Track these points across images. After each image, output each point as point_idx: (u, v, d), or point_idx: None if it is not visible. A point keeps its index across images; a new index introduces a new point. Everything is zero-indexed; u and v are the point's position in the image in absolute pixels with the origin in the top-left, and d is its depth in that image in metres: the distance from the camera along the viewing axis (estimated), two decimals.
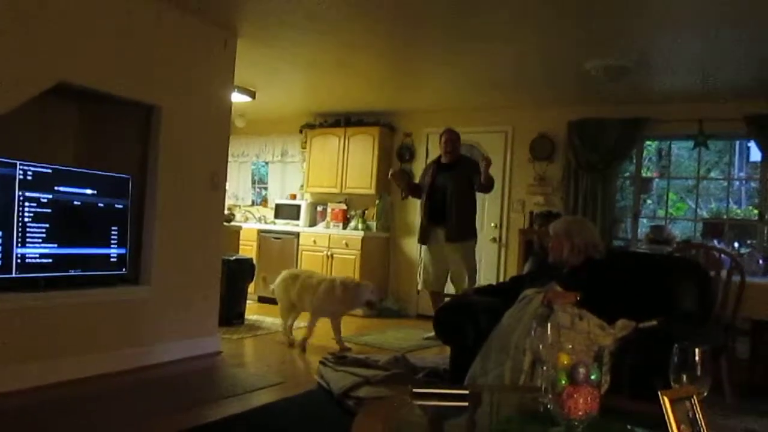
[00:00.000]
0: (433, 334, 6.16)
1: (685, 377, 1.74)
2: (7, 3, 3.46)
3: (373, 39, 5.08)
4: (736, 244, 5.93)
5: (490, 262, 7.29)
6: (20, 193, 3.73)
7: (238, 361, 4.96)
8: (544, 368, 2.08)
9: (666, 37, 4.57)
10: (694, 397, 1.67)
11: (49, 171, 3.92)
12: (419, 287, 6.52)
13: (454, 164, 6.03)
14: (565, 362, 1.87)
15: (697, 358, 1.74)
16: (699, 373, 1.73)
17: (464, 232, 5.99)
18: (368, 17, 4.54)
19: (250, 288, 6.67)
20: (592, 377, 1.84)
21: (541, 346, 2.26)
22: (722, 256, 4.48)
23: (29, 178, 3.77)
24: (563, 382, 1.82)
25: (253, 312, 6.84)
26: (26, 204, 3.77)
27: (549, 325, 2.37)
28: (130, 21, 4.19)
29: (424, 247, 6.28)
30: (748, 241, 6.15)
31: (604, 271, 3.36)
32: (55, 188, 3.95)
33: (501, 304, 3.38)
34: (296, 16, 4.50)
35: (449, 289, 6.23)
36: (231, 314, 6.01)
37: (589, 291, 3.09)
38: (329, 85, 6.80)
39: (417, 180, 6.73)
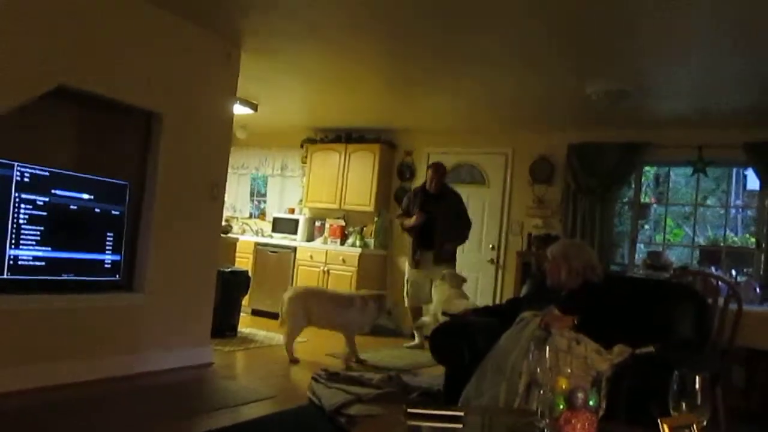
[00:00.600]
0: (415, 342, 6.52)
1: (684, 405, 1.71)
2: (9, 4, 3.46)
3: (376, 57, 5.10)
4: (733, 272, 5.91)
5: (487, 284, 7.26)
6: (16, 195, 3.71)
7: (229, 373, 4.91)
8: (541, 391, 2.05)
9: (667, 62, 4.58)
10: (695, 425, 1.64)
11: (47, 174, 3.90)
12: (406, 304, 6.65)
13: (440, 194, 6.49)
14: (564, 386, 1.84)
15: (697, 385, 1.71)
16: (699, 401, 1.70)
17: (447, 256, 6.49)
18: (373, 36, 4.56)
19: (245, 300, 6.63)
20: (591, 402, 1.81)
21: (538, 369, 2.23)
22: (719, 283, 4.45)
23: (26, 180, 3.76)
24: (561, 406, 1.79)
25: (246, 324, 6.79)
26: (22, 206, 3.75)
27: (547, 348, 2.35)
28: (135, 27, 4.20)
29: (413, 270, 6.69)
30: (745, 269, 6.14)
31: (601, 295, 3.34)
32: (52, 191, 3.94)
33: (498, 326, 3.35)
34: (301, 31, 4.52)
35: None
36: (224, 326, 5.95)
37: (587, 315, 3.06)
38: (332, 100, 6.82)
39: (403, 204, 6.97)
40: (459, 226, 6.49)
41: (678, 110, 5.79)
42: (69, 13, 3.77)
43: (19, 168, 3.72)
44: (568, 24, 3.97)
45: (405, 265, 6.86)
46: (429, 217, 6.40)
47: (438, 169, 6.53)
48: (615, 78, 4.98)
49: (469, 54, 4.76)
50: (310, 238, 8.32)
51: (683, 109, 5.76)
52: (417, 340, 6.63)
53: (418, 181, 7.80)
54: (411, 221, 6.55)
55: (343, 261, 7.55)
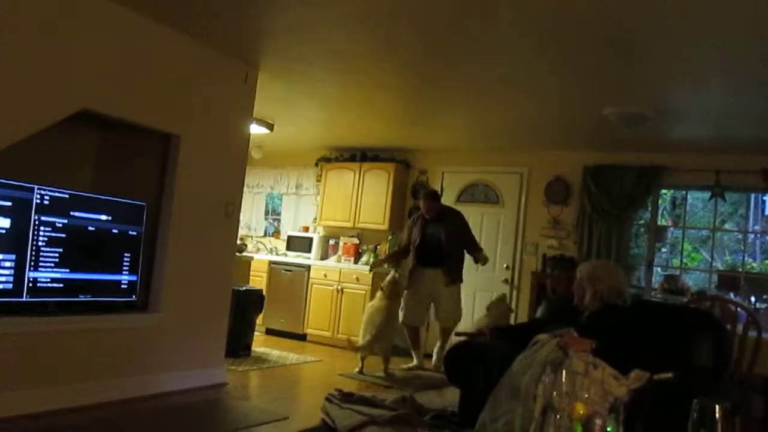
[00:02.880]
0: (413, 364, 6.51)
1: None
2: (33, 30, 3.53)
3: (392, 77, 5.13)
4: (752, 299, 5.84)
5: None
6: (36, 217, 3.74)
7: (243, 393, 4.90)
8: (557, 416, 2.04)
9: (687, 86, 4.57)
10: None
11: (66, 196, 3.94)
12: (400, 320, 6.56)
13: (439, 217, 6.51)
14: (581, 412, 1.83)
15: (717, 415, 1.69)
16: (719, 431, 1.68)
17: (457, 275, 6.48)
18: (389, 56, 4.59)
19: (258, 319, 6.64)
20: (608, 429, 1.80)
21: (554, 393, 2.21)
22: (738, 309, 4.40)
23: (46, 202, 3.79)
24: None
25: (260, 344, 6.80)
26: (41, 228, 3.78)
27: (564, 371, 2.34)
28: (154, 51, 4.26)
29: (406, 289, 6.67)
30: (764, 296, 6.07)
31: (622, 320, 3.30)
32: (71, 213, 3.97)
33: (514, 347, 3.33)
34: (318, 53, 4.56)
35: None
36: (238, 345, 5.96)
37: (606, 339, 3.03)
38: (347, 120, 6.85)
39: (404, 231, 6.95)
40: (467, 244, 6.50)
41: (696, 134, 5.78)
42: (90, 38, 3.83)
43: (38, 191, 3.76)
44: (587, 46, 3.98)
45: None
46: (431, 237, 6.48)
47: (426, 197, 6.59)
48: (633, 101, 4.97)
49: (485, 75, 4.78)
50: (324, 256, 8.33)
51: (701, 134, 5.74)
52: (416, 361, 6.60)
53: None
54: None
55: (357, 279, 7.55)
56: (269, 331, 7.84)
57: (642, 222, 6.86)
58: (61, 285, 3.92)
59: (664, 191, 6.99)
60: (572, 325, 3.28)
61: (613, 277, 3.50)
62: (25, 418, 3.51)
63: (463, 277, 6.54)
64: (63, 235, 3.91)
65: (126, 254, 4.34)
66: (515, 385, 3.02)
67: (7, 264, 3.62)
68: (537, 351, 3.17)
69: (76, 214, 4.00)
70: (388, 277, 6.19)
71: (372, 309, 6.12)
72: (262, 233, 9.25)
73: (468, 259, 6.56)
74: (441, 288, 6.40)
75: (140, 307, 4.44)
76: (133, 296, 4.39)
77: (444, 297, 6.42)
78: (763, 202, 6.72)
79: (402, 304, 6.50)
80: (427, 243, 6.48)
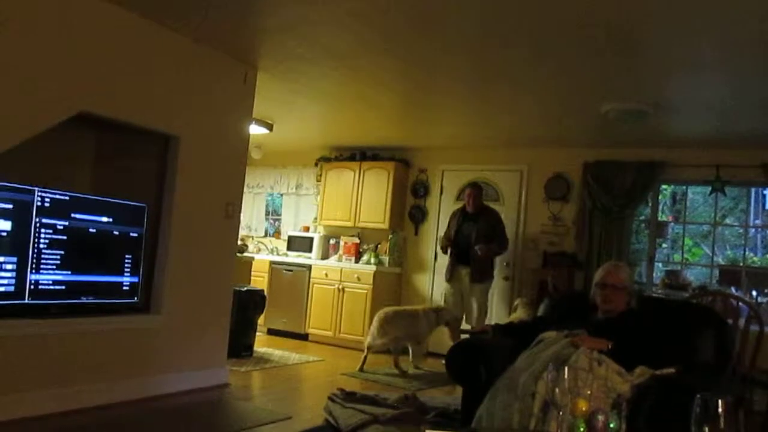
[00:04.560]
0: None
1: (707, 429, 1.69)
2: (31, 32, 3.53)
3: (391, 76, 5.12)
4: (753, 293, 5.83)
5: (502, 301, 7.22)
6: (37, 220, 3.74)
7: (245, 394, 4.90)
8: (560, 413, 2.04)
9: (687, 81, 4.57)
10: None
11: (67, 198, 3.94)
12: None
13: (477, 214, 6.60)
14: (584, 408, 1.83)
15: (720, 409, 1.69)
16: (722, 425, 1.68)
17: (483, 274, 6.60)
18: (387, 55, 4.58)
19: (260, 320, 6.64)
20: (611, 426, 1.80)
21: (557, 390, 2.21)
22: (740, 304, 4.40)
23: (47, 204, 3.80)
24: (582, 429, 1.78)
25: (262, 344, 6.80)
26: (42, 230, 3.78)
27: (566, 368, 2.33)
28: (153, 52, 4.26)
29: (447, 284, 6.80)
30: (766, 290, 6.06)
31: (636, 321, 3.28)
32: (72, 215, 3.97)
33: (517, 345, 3.32)
34: (316, 53, 4.55)
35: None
36: (240, 346, 5.96)
37: (621, 341, 3.01)
38: (346, 119, 6.85)
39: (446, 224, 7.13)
40: (494, 241, 6.55)
41: (696, 129, 5.78)
42: (89, 40, 3.83)
43: (39, 193, 3.76)
44: (585, 42, 3.97)
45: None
46: (465, 236, 6.57)
47: (473, 191, 6.67)
48: (632, 97, 4.97)
49: (484, 73, 4.79)
50: (325, 256, 8.32)
51: (701, 129, 5.73)
52: None
53: (432, 198, 7.87)
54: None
55: (358, 279, 7.55)
56: (271, 332, 7.85)
57: (642, 218, 6.86)
58: (63, 287, 3.93)
59: (664, 186, 6.99)
60: (580, 325, 3.26)
61: (630, 280, 3.48)
62: (27, 421, 3.51)
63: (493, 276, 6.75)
64: (64, 238, 3.91)
65: (127, 256, 4.34)
66: (514, 381, 3.01)
67: (9, 266, 3.62)
68: (543, 349, 3.15)
69: (77, 216, 4.01)
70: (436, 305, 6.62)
71: (408, 307, 6.46)
72: (263, 233, 9.25)
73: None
74: (468, 285, 6.57)
75: (142, 308, 4.44)
76: (135, 298, 4.39)
77: (468, 294, 6.59)
78: (764, 196, 6.72)
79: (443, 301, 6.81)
80: (461, 241, 6.61)
